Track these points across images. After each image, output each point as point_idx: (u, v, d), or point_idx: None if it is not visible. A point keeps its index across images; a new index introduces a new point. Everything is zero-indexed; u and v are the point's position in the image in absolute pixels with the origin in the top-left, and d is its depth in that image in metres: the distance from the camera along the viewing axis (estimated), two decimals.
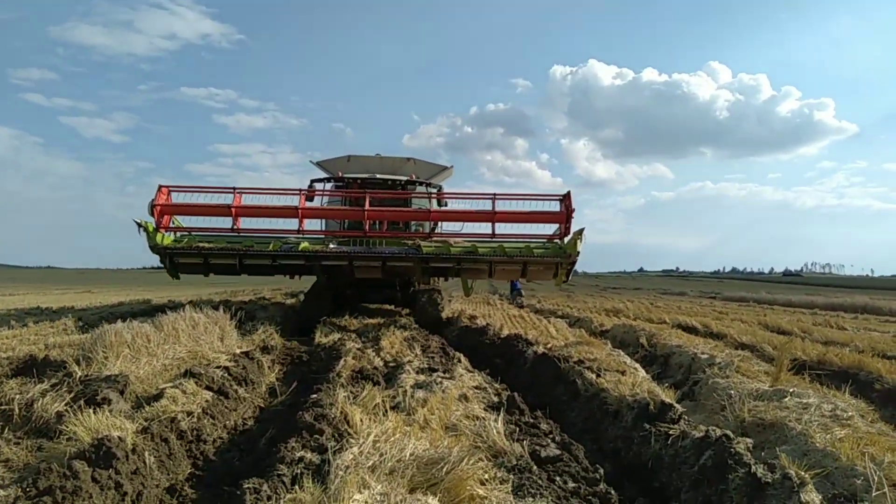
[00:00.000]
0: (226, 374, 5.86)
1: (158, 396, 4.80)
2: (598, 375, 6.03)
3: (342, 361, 6.51)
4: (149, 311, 12.82)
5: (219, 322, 9.02)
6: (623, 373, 6.11)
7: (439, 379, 5.79)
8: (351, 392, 5.26)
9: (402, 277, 13.14)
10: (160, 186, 11.28)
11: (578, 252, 11.15)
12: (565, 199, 11.40)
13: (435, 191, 13.68)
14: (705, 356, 7.50)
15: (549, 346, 8.55)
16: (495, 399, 5.30)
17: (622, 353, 8.23)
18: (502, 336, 9.50)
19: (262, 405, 6.02)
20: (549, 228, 11.89)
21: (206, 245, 11.35)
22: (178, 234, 11.82)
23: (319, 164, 14.79)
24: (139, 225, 11.00)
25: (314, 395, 4.91)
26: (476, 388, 5.67)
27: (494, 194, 11.51)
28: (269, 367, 7.25)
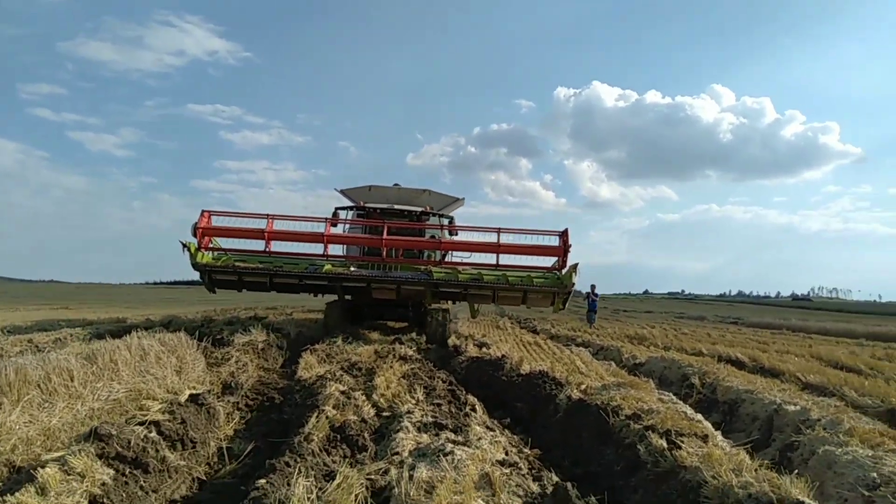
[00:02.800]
0: (152, 434, 4.19)
1: (24, 481, 3.15)
2: (669, 441, 4.34)
3: (317, 415, 4.82)
4: (115, 333, 11.36)
5: (177, 350, 7.37)
6: (704, 438, 4.41)
7: (449, 445, 4.11)
8: (320, 471, 3.60)
9: (414, 299, 14.00)
10: (203, 211, 12.41)
11: (574, 283, 12.14)
12: (563, 234, 12.27)
13: (447, 221, 15.18)
14: (793, 408, 5.79)
15: (583, 387, 6.86)
16: (535, 489, 3.60)
17: (679, 401, 6.54)
18: (523, 373, 7.82)
19: (204, 476, 4.35)
20: (549, 261, 12.69)
21: (241, 264, 12.53)
22: (217, 253, 12.90)
23: (343, 192, 15.82)
24: (184, 245, 12.19)
25: (259, 484, 3.23)
26: (502, 462, 3.98)
27: (499, 228, 12.59)
28: (226, 417, 5.58)
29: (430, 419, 5.03)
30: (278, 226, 12.76)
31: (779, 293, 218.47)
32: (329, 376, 6.46)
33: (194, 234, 12.20)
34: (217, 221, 12.72)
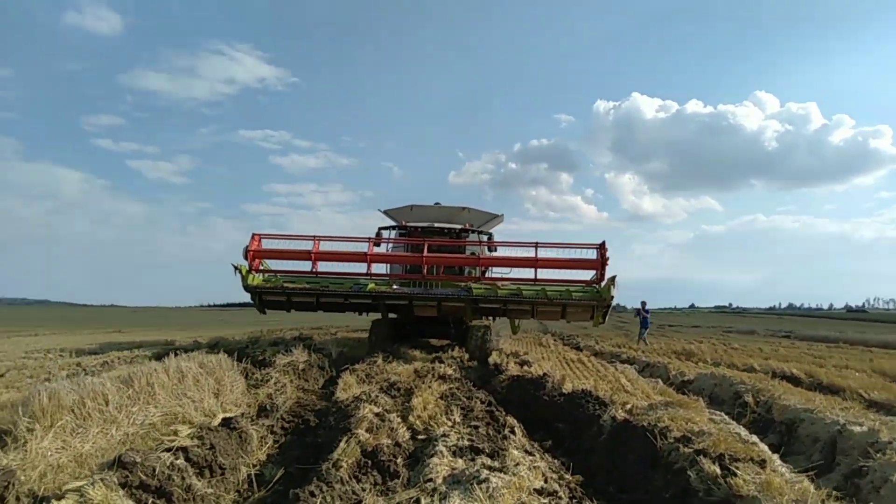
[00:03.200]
0: (179, 461, 4.09)
1: None
2: (723, 466, 4.03)
3: (347, 439, 4.66)
4: (161, 356, 11.53)
5: (215, 373, 7.34)
6: (762, 464, 4.08)
7: (485, 471, 3.89)
8: (347, 500, 3.44)
9: (455, 316, 14.08)
10: (253, 234, 12.85)
11: (612, 296, 12.05)
12: (601, 247, 12.19)
13: (486, 238, 15.22)
14: (860, 429, 5.38)
15: (628, 406, 6.55)
16: None
17: (732, 422, 6.18)
18: (565, 392, 7.53)
19: None
20: (587, 274, 12.64)
21: (289, 286, 13.03)
22: (267, 275, 13.36)
23: (386, 213, 16.09)
24: (235, 268, 12.54)
25: None
26: (540, 491, 3.74)
27: (537, 243, 12.60)
28: (259, 441, 5.46)
29: (467, 442, 4.82)
30: (324, 247, 13.06)
31: (832, 305, 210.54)
32: (364, 397, 6.29)
33: (245, 257, 12.63)
34: (266, 244, 13.13)
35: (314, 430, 6.23)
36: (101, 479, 3.46)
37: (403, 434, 5.33)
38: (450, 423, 5.59)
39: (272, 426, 6.11)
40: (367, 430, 5.06)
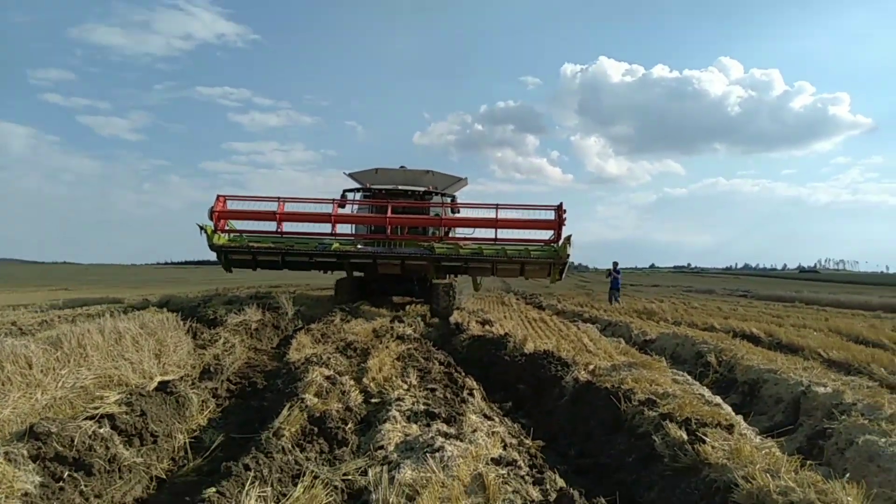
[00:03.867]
0: (104, 430, 3.71)
1: None
2: (689, 432, 3.83)
3: (291, 405, 4.31)
4: (112, 314, 11.00)
5: (157, 333, 6.89)
6: (729, 429, 3.89)
7: (440, 439, 3.62)
8: (287, 473, 3.12)
9: (419, 274, 14.57)
10: (218, 196, 13.16)
11: (569, 255, 12.65)
12: (558, 209, 12.74)
13: (449, 200, 15.67)
14: (823, 390, 5.26)
15: (591, 368, 6.35)
16: (535, 495, 3.08)
17: (695, 382, 6.04)
18: (527, 352, 7.31)
19: (164, 475, 3.88)
20: (546, 234, 13.19)
21: (255, 245, 13.33)
22: (232, 235, 13.66)
23: (351, 175, 16.43)
24: (201, 228, 12.83)
25: (207, 495, 2.74)
26: (499, 460, 3.47)
27: (497, 204, 13.16)
28: (199, 405, 5.09)
29: (422, 407, 4.54)
30: (289, 208, 13.50)
31: (785, 265, 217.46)
32: (315, 360, 5.93)
33: (211, 218, 12.96)
34: (231, 205, 13.47)
35: (261, 393, 5.88)
36: (5, 453, 3.06)
37: (356, 398, 5.02)
38: (405, 386, 5.30)
39: (216, 389, 5.74)
40: (315, 395, 4.72)
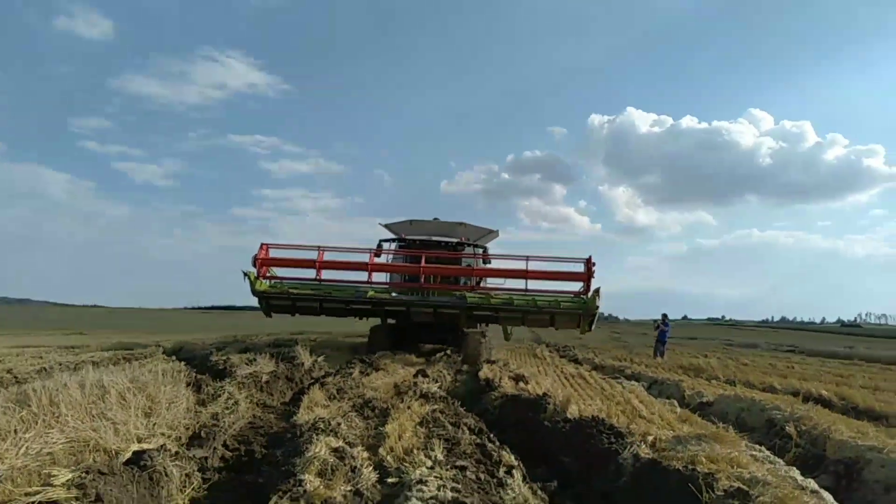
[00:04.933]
0: None
1: None
2: None
3: (291, 487, 3.40)
4: (112, 362, 10.31)
5: (148, 387, 6.07)
6: None
7: None
8: None
9: (451, 323, 14.66)
10: (262, 244, 13.71)
11: (598, 306, 12.86)
12: (587, 261, 13.07)
13: (481, 251, 16.26)
14: None
15: (650, 439, 5.32)
16: None
17: (778, 460, 4.98)
18: (571, 417, 6.29)
19: None
20: (576, 286, 13.41)
21: (294, 291, 13.77)
22: (273, 281, 14.04)
23: (387, 226, 16.77)
24: (245, 274, 13.27)
25: None
26: None
27: (528, 256, 13.52)
28: (181, 481, 4.19)
29: (450, 495, 3.59)
30: (328, 257, 13.95)
31: (824, 319, 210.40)
32: (322, 426, 4.99)
33: (254, 264, 13.45)
34: (274, 253, 14.01)
35: (259, 463, 4.96)
36: None
37: (368, 477, 4.08)
38: (430, 463, 4.33)
39: (206, 459, 4.84)
40: (318, 475, 3.80)
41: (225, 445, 5.45)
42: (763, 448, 5.59)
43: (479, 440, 5.19)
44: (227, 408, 6.63)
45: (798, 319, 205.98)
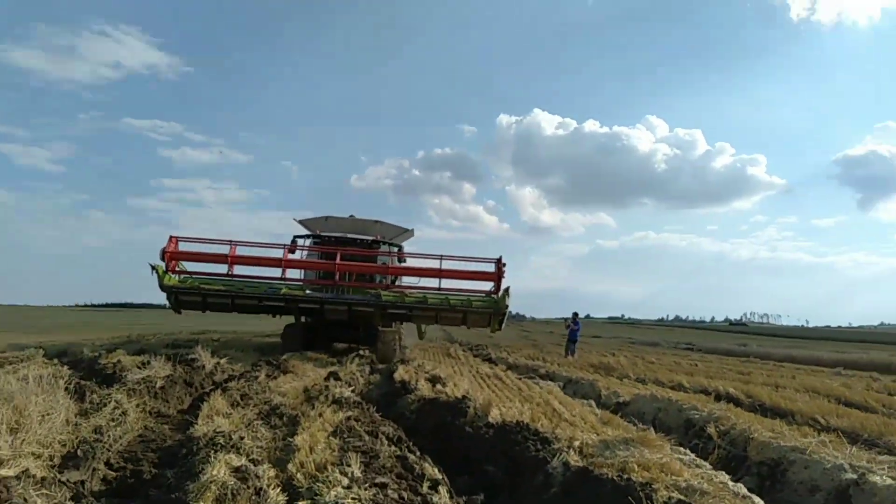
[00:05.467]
0: None
1: None
2: None
3: None
4: None
5: (14, 399, 5.26)
6: None
7: None
8: None
9: (365, 321, 14.74)
10: (171, 237, 13.27)
11: (508, 305, 13.32)
12: (498, 261, 13.45)
13: (396, 250, 16.48)
14: (881, 480, 4.16)
15: (577, 444, 5.10)
16: None
17: (705, 464, 4.88)
18: (493, 422, 6.00)
19: None
20: (487, 285, 13.86)
21: (205, 287, 13.51)
22: (183, 276, 13.73)
23: (302, 222, 16.67)
24: (153, 268, 12.94)
25: None
26: None
27: (441, 255, 13.72)
28: None
29: None
30: (240, 252, 13.76)
31: (713, 318, 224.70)
32: (222, 441, 4.43)
33: (162, 258, 13.07)
34: (183, 246, 13.68)
35: (148, 486, 4.33)
36: None
37: (276, 500, 3.58)
38: (346, 480, 3.86)
39: (82, 482, 4.17)
40: (215, 502, 3.27)
41: (108, 464, 4.78)
42: (687, 451, 5.51)
43: (399, 451, 4.77)
44: (113, 419, 5.88)
45: (691, 318, 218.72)
